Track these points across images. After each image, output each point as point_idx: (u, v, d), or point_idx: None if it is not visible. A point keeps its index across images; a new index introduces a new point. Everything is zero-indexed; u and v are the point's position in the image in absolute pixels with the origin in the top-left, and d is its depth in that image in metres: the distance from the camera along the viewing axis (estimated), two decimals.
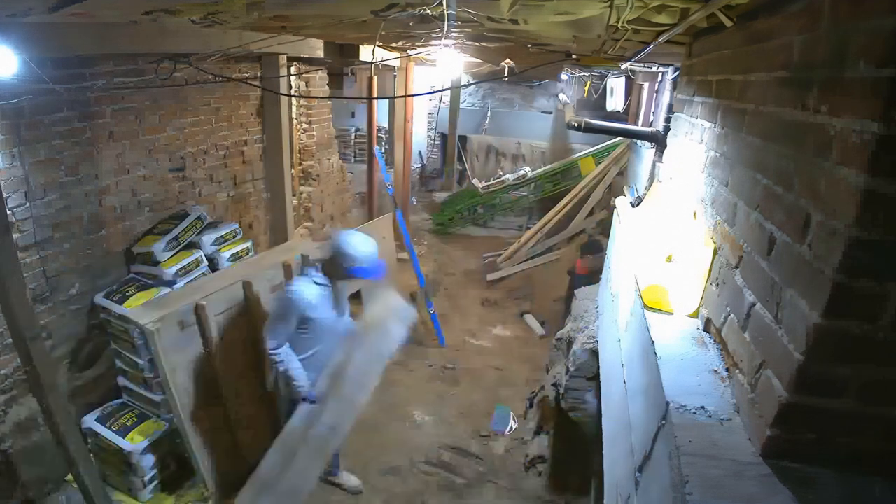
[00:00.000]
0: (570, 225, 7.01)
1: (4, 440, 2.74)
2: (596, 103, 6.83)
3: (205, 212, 3.70)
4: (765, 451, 0.94)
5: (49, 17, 1.91)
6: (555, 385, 3.27)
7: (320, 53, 3.94)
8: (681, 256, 1.61)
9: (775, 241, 1.01)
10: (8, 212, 2.42)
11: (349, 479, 3.24)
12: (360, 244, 2.59)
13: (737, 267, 1.20)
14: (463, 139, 8.44)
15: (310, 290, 2.56)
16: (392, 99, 6.20)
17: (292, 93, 4.98)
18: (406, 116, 5.83)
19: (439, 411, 4.08)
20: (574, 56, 3.14)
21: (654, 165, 3.54)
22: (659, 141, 3.40)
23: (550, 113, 8.31)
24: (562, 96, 7.83)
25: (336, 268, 2.59)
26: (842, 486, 0.89)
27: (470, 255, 7.10)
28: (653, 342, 1.33)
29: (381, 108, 7.09)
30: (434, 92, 7.76)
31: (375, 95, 5.21)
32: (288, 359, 2.56)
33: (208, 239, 3.58)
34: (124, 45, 2.50)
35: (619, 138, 6.73)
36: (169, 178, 3.66)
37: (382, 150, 7.97)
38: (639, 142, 5.02)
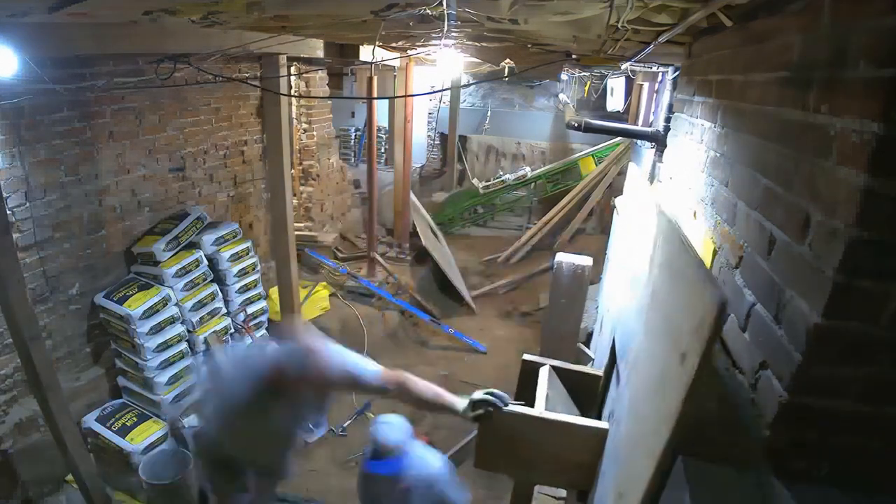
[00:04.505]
0: (570, 225, 7.01)
1: (4, 440, 2.75)
2: (596, 103, 6.83)
3: (205, 212, 3.70)
4: (765, 450, 0.93)
5: (49, 17, 1.90)
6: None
7: (320, 53, 3.93)
8: None
9: (775, 241, 1.00)
10: (8, 212, 2.42)
11: None
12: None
13: (737, 267, 1.20)
14: (463, 139, 8.43)
15: None
16: (392, 99, 6.19)
17: (292, 93, 4.97)
18: (406, 116, 5.83)
19: None
20: (574, 56, 3.13)
21: (654, 165, 3.54)
22: (659, 141, 3.40)
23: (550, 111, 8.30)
24: (562, 96, 7.82)
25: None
26: (841, 485, 0.89)
27: (470, 255, 7.09)
28: None
29: (381, 108, 7.09)
30: (434, 92, 7.74)
31: (375, 95, 5.20)
32: None
33: (208, 239, 3.58)
34: (124, 45, 2.49)
35: (619, 138, 6.74)
36: (169, 178, 3.66)
37: (382, 150, 7.96)
38: (639, 142, 5.02)
